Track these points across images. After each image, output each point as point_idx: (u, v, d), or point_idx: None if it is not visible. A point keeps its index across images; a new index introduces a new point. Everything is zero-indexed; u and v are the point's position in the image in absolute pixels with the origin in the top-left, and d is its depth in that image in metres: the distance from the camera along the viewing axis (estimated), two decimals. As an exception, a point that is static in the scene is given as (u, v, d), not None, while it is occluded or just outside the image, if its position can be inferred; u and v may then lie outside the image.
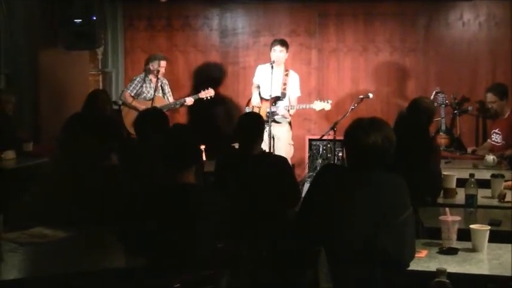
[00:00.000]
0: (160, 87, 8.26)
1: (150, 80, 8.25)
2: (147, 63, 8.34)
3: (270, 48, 7.87)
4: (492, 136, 7.10)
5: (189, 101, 8.22)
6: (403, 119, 5.46)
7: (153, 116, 5.38)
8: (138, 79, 8.31)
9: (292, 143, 8.06)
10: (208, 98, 8.18)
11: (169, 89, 8.45)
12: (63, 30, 7.83)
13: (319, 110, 7.90)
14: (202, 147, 6.38)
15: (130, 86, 8.31)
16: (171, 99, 8.31)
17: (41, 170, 4.81)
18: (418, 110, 5.39)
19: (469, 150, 7.23)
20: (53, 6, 7.83)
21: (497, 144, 6.96)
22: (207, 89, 8.21)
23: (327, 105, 7.78)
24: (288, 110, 7.82)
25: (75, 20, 7.71)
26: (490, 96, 7.12)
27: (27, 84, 7.76)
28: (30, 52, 7.76)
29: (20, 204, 4.29)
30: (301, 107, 7.88)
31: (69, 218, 4.03)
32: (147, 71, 8.27)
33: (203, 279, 3.42)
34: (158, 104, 7.95)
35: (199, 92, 8.24)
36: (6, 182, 5.91)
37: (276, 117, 7.76)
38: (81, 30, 7.76)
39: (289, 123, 7.97)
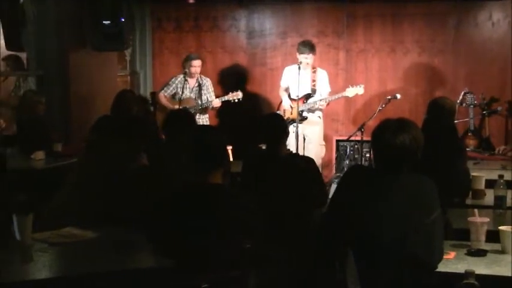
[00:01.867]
0: (197, 88, 8.27)
1: (187, 80, 8.26)
2: (183, 64, 8.39)
3: (298, 52, 7.86)
4: None
5: (216, 103, 8.23)
6: (426, 120, 5.42)
7: (179, 117, 5.39)
8: (173, 79, 8.36)
9: (324, 143, 8.07)
10: (236, 100, 8.18)
11: (210, 88, 8.43)
12: (92, 31, 7.88)
13: (353, 96, 7.88)
14: (230, 147, 6.40)
15: (165, 86, 8.38)
16: (211, 99, 8.31)
17: (70, 171, 4.84)
18: (438, 110, 5.34)
19: (498, 149, 7.16)
20: (82, 7, 7.88)
21: None
22: (236, 91, 8.21)
23: (360, 90, 7.77)
24: (325, 101, 7.80)
25: (104, 22, 7.75)
26: None
27: (57, 85, 7.82)
28: (60, 53, 7.82)
29: (50, 204, 4.33)
30: (334, 98, 7.86)
31: (98, 218, 4.06)
32: (184, 72, 8.30)
33: (231, 279, 3.43)
34: (187, 104, 7.98)
35: (227, 93, 8.25)
36: (36, 182, 5.96)
37: (309, 115, 7.74)
38: (109, 32, 7.80)
39: (321, 118, 7.93)
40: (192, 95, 8.21)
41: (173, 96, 8.30)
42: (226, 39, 9.48)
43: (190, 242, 3.40)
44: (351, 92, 7.77)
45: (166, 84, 8.40)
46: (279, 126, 5.11)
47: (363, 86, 7.80)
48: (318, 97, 7.85)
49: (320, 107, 7.86)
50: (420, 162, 3.27)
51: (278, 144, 5.03)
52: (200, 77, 8.31)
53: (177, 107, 7.75)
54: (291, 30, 9.23)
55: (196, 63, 8.26)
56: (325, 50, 9.09)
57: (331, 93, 8.03)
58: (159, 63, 9.58)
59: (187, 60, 8.30)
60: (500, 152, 7.06)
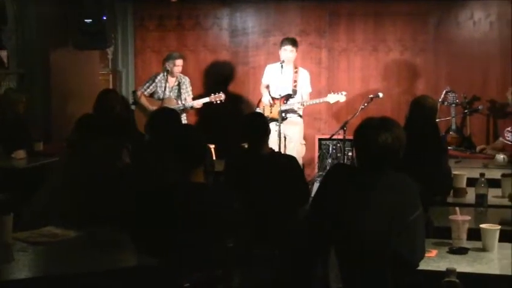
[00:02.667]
0: (177, 87, 8.23)
1: (167, 79, 8.23)
2: (164, 62, 8.33)
3: (280, 47, 7.88)
4: (506, 135, 7.07)
5: (197, 104, 8.20)
6: (408, 119, 5.43)
7: (164, 116, 5.37)
8: (153, 78, 8.32)
9: (304, 142, 8.06)
10: (218, 101, 8.14)
11: (189, 88, 8.38)
12: (73, 30, 7.85)
13: (334, 103, 7.89)
14: (212, 146, 6.39)
15: (145, 85, 8.33)
16: (188, 99, 8.27)
17: (51, 170, 4.82)
18: (420, 109, 5.34)
19: (478, 148, 7.21)
20: (64, 6, 7.85)
21: (510, 143, 6.93)
22: (218, 92, 8.17)
23: (341, 97, 7.77)
24: (302, 104, 7.81)
25: (86, 20, 7.72)
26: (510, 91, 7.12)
27: (38, 83, 7.79)
28: (42, 52, 7.78)
29: (31, 203, 4.31)
30: (314, 102, 7.88)
31: (80, 217, 4.04)
32: (164, 71, 8.26)
33: (214, 278, 3.43)
34: (168, 104, 7.95)
35: (210, 95, 8.20)
36: (17, 182, 5.93)
37: (288, 115, 7.76)
38: (91, 30, 7.77)
39: (301, 117, 7.94)
40: (171, 94, 8.15)
41: (152, 94, 8.26)
42: (208, 38, 9.46)
43: (173, 241, 3.39)
44: (332, 98, 7.78)
45: (146, 82, 8.36)
46: (260, 125, 5.11)
47: (345, 93, 7.81)
48: (298, 98, 7.85)
49: (298, 110, 7.86)
50: (402, 160, 3.28)
51: (260, 143, 5.03)
52: (179, 75, 8.27)
53: (153, 106, 7.73)
54: (273, 28, 9.23)
55: (180, 63, 8.22)
56: (308, 49, 9.09)
57: (312, 94, 8.03)
58: (141, 62, 9.55)
59: (170, 59, 8.24)
60: (478, 151, 7.10)
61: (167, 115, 5.41)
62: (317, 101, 7.88)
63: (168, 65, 8.20)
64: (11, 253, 3.48)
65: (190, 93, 8.36)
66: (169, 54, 8.43)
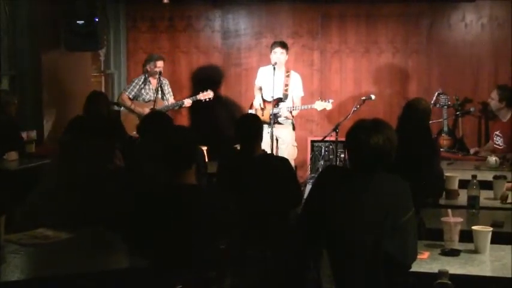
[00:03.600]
0: (159, 88, 8.22)
1: (149, 81, 8.23)
2: (144, 64, 8.34)
3: (270, 50, 7.88)
4: (494, 138, 7.10)
5: (187, 102, 8.19)
6: (401, 121, 5.45)
7: (157, 118, 5.38)
8: (136, 81, 8.31)
9: (296, 144, 8.06)
10: (207, 100, 8.14)
11: (170, 89, 8.41)
12: (65, 31, 7.83)
13: (321, 110, 7.92)
14: (205, 148, 6.39)
15: (129, 87, 8.32)
16: (171, 99, 8.27)
17: (43, 172, 4.81)
18: (413, 111, 5.37)
19: (472, 151, 7.24)
20: (56, 7, 7.83)
21: (499, 147, 6.96)
22: (206, 91, 8.18)
23: (328, 105, 7.78)
24: (291, 112, 7.83)
25: (78, 22, 7.70)
26: (493, 93, 7.13)
27: (30, 85, 7.76)
28: (33, 53, 7.76)
29: (23, 205, 4.30)
30: (303, 108, 7.89)
31: (71, 219, 4.04)
32: (146, 73, 8.27)
33: (206, 279, 3.43)
34: (157, 105, 7.95)
35: (198, 93, 8.20)
36: (9, 183, 5.91)
37: (279, 119, 7.78)
38: (83, 32, 7.75)
39: (293, 124, 7.98)
40: (154, 95, 8.13)
41: (136, 97, 8.25)
42: (200, 39, 9.46)
43: (166, 242, 3.39)
44: (319, 105, 7.79)
45: (130, 85, 8.36)
46: (254, 126, 5.12)
47: (331, 101, 7.83)
48: (289, 102, 7.86)
49: (288, 117, 7.86)
50: (394, 162, 3.29)
51: (253, 145, 5.04)
52: (160, 77, 8.25)
53: (141, 109, 7.74)
54: (266, 30, 9.24)
55: (161, 64, 8.22)
56: (300, 51, 9.10)
57: (305, 96, 8.04)
58: (134, 63, 9.53)
59: (151, 60, 8.25)
60: (472, 153, 7.12)
61: (159, 118, 5.42)
62: (305, 107, 7.89)
63: (149, 67, 8.21)
64: (3, 255, 3.47)
65: (172, 93, 8.37)
66: (149, 56, 8.45)
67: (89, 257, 3.59)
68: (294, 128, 7.99)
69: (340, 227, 3.24)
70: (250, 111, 8.03)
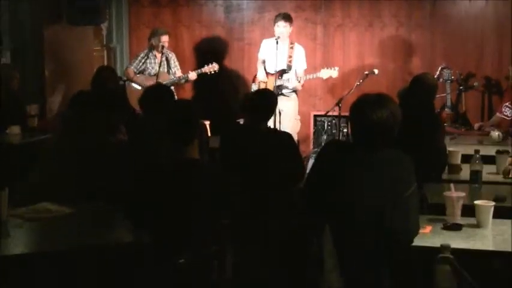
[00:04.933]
0: (165, 62, 8.19)
1: (154, 55, 8.20)
2: (149, 38, 8.30)
3: (274, 24, 7.84)
4: (503, 109, 7.07)
5: (192, 75, 8.16)
6: (406, 96, 5.44)
7: (158, 92, 5.37)
8: (142, 55, 8.27)
9: (299, 117, 8.05)
10: (213, 72, 8.12)
11: (177, 63, 8.37)
12: (67, 5, 7.80)
13: (327, 78, 7.86)
14: (207, 122, 6.39)
15: (134, 62, 8.29)
16: (178, 73, 8.24)
17: (46, 146, 4.81)
18: (421, 86, 5.36)
19: (476, 126, 7.22)
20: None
21: (508, 118, 6.94)
22: (211, 63, 8.15)
23: (334, 72, 7.72)
24: (299, 81, 7.79)
25: (80, -5, 7.68)
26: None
27: (32, 59, 7.75)
28: (35, 27, 7.73)
29: (25, 179, 4.31)
30: (308, 77, 7.85)
31: (74, 193, 4.04)
32: (150, 47, 8.24)
33: (208, 254, 3.44)
34: (162, 79, 7.93)
35: (203, 66, 8.18)
36: (11, 157, 5.92)
37: (285, 91, 7.75)
38: (85, 6, 7.72)
39: (296, 92, 7.93)
40: (161, 69, 8.11)
41: (142, 71, 8.23)
42: (203, 14, 9.40)
43: (167, 217, 3.40)
44: (325, 73, 7.73)
45: (135, 60, 8.32)
46: (270, 103, 5.16)
47: (337, 68, 7.76)
48: (292, 74, 7.83)
49: (294, 87, 7.84)
50: (397, 137, 3.28)
51: (262, 120, 5.06)
52: (166, 51, 8.22)
53: (147, 82, 7.72)
54: (268, 4, 9.18)
55: (165, 38, 8.17)
56: (303, 25, 9.05)
57: (308, 70, 8.01)
58: (136, 38, 9.49)
59: (156, 35, 8.21)
60: (476, 128, 7.11)
61: (160, 91, 5.41)
62: (310, 76, 7.85)
63: (154, 41, 8.17)
64: (6, 229, 3.49)
65: (179, 67, 8.34)
66: (154, 30, 8.40)
67: (91, 232, 3.60)
68: (297, 101, 7.95)
69: (342, 202, 3.25)
70: (253, 84, 8.02)
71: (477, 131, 6.99)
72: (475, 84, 8.30)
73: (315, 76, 7.83)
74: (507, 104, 7.05)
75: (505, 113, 7.02)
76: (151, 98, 5.24)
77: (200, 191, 3.44)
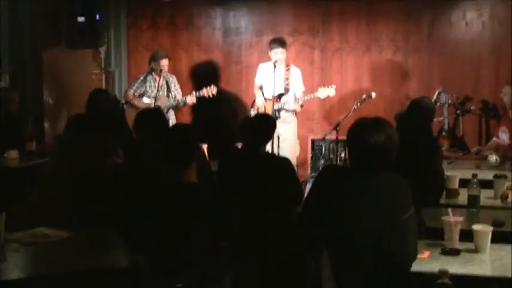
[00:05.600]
0: (165, 85, 8.20)
1: (154, 78, 8.21)
2: (149, 62, 8.31)
3: (269, 49, 7.87)
4: (499, 134, 7.08)
5: (190, 99, 8.15)
6: (404, 119, 5.46)
7: (150, 115, 5.38)
8: (141, 78, 8.28)
9: (298, 141, 8.06)
10: (211, 95, 8.11)
11: (177, 86, 8.36)
12: (66, 28, 7.83)
13: (325, 98, 7.87)
14: (205, 146, 6.38)
15: (133, 85, 8.29)
16: (178, 96, 8.25)
17: (43, 170, 4.81)
18: (418, 110, 5.37)
19: (474, 150, 7.21)
20: (57, 4, 7.83)
21: (504, 143, 6.94)
22: (209, 86, 8.15)
23: (331, 91, 7.72)
24: (298, 102, 7.80)
25: (79, 19, 7.70)
26: (506, 88, 7.12)
27: (31, 82, 7.76)
28: (34, 50, 7.76)
29: (23, 204, 4.30)
30: (306, 98, 7.86)
31: (71, 217, 4.04)
32: (150, 70, 8.26)
33: (207, 278, 3.43)
34: (161, 102, 7.94)
35: (202, 89, 8.17)
36: (9, 181, 5.91)
37: (284, 114, 7.76)
38: (84, 29, 7.75)
39: (295, 115, 7.93)
40: (160, 93, 8.12)
41: (141, 95, 8.23)
42: (201, 37, 9.45)
43: (165, 241, 3.39)
44: (322, 93, 7.75)
45: (134, 83, 8.33)
46: (269, 128, 5.18)
47: (334, 86, 7.78)
48: (290, 96, 7.85)
49: (297, 109, 7.86)
50: (395, 160, 3.28)
51: (260, 145, 5.07)
52: (166, 74, 8.24)
53: (145, 105, 7.73)
54: (266, 28, 9.22)
55: (165, 62, 8.17)
56: (301, 49, 9.09)
57: (305, 92, 8.03)
58: (134, 61, 9.52)
59: (156, 58, 8.21)
60: (474, 152, 7.10)
61: (151, 115, 5.42)
62: (308, 97, 7.86)
63: (154, 65, 8.17)
64: (3, 253, 3.47)
65: (180, 90, 8.35)
66: (154, 53, 8.39)
67: (88, 256, 3.59)
68: (296, 125, 7.97)
69: (340, 225, 3.24)
70: (252, 109, 8.03)
71: (475, 155, 6.98)
72: (472, 108, 8.32)
73: (313, 96, 7.84)
74: (503, 128, 7.07)
75: (501, 137, 7.03)
76: (143, 121, 5.25)
77: (198, 215, 3.43)
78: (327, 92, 7.73)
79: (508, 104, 7.11)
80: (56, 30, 7.91)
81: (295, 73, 7.97)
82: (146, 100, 8.11)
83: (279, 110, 7.74)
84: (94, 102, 6.71)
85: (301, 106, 7.92)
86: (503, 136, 7.00)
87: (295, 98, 7.82)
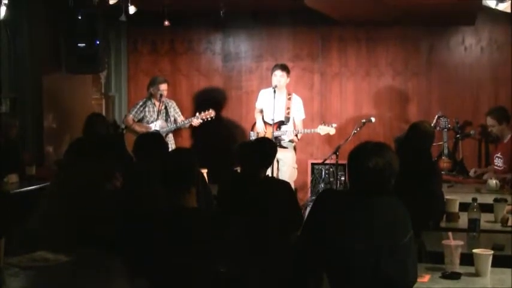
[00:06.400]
0: (164, 110, 8.22)
1: (153, 103, 8.24)
2: (148, 87, 8.34)
3: (271, 73, 7.91)
4: (494, 160, 7.10)
5: (196, 121, 8.14)
6: (404, 143, 5.47)
7: (149, 140, 5.38)
8: (140, 103, 8.31)
9: (296, 166, 8.06)
10: (209, 118, 8.13)
11: (177, 109, 8.39)
12: (66, 54, 7.86)
13: (324, 135, 7.90)
14: (205, 171, 6.39)
15: (133, 110, 8.31)
16: (179, 119, 8.28)
17: (44, 194, 4.80)
18: (418, 133, 5.39)
19: (472, 171, 7.21)
20: (57, 30, 7.87)
21: (499, 168, 6.96)
22: (207, 110, 8.16)
23: (331, 130, 7.77)
24: (296, 135, 7.84)
25: (79, 44, 7.73)
26: (489, 120, 7.12)
27: (31, 108, 7.78)
28: (34, 76, 7.78)
29: (22, 228, 4.29)
30: (305, 132, 7.89)
31: (71, 241, 4.03)
32: (150, 95, 8.28)
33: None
34: (160, 127, 7.97)
35: (200, 113, 8.18)
36: (9, 206, 5.90)
37: (283, 142, 7.78)
38: (84, 54, 7.78)
39: (294, 147, 7.98)
40: (159, 117, 8.14)
41: (141, 119, 8.24)
42: (201, 62, 9.49)
43: (165, 266, 3.38)
44: (322, 130, 7.78)
45: (134, 108, 8.35)
46: (270, 152, 5.18)
47: (334, 125, 7.80)
48: (291, 125, 7.88)
49: (294, 140, 7.89)
50: (395, 184, 3.29)
51: (261, 169, 5.07)
52: (165, 99, 8.26)
53: (145, 130, 7.74)
54: (266, 53, 9.27)
55: (164, 87, 8.20)
56: (301, 74, 9.13)
57: (305, 120, 8.06)
58: (134, 86, 9.56)
59: (155, 83, 8.24)
60: (473, 174, 7.10)
61: (150, 139, 5.42)
62: (307, 131, 7.89)
63: (153, 90, 8.20)
64: (3, 278, 3.46)
65: (180, 113, 8.37)
66: (153, 78, 8.42)
67: (89, 281, 3.57)
68: (295, 150, 7.99)
69: (339, 250, 3.24)
70: (251, 133, 8.05)
71: (474, 178, 6.98)
72: (472, 132, 8.34)
73: (312, 131, 7.85)
74: (497, 154, 7.07)
75: (497, 164, 7.04)
76: (142, 145, 5.25)
77: (199, 240, 3.42)
78: (327, 130, 7.76)
79: (499, 132, 7.11)
80: (56, 56, 7.94)
81: (297, 102, 8.00)
82: (146, 125, 8.13)
83: (278, 138, 7.75)
84: (89, 127, 6.73)
85: (298, 139, 7.97)
86: (498, 162, 7.01)
87: (295, 126, 7.85)
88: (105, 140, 6.58)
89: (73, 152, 5.34)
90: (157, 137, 5.54)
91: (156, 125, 8.04)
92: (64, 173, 4.71)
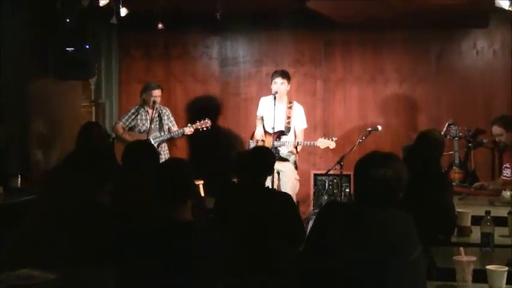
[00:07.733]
0: (157, 118, 8.20)
1: (146, 111, 8.21)
2: (141, 93, 8.31)
3: (271, 80, 7.90)
4: (503, 171, 7.08)
5: (188, 130, 8.13)
6: (412, 152, 5.45)
7: (138, 149, 5.34)
8: (132, 110, 8.29)
9: (298, 178, 8.05)
10: (205, 128, 8.12)
11: (172, 118, 8.38)
12: (55, 58, 7.85)
13: (324, 148, 7.88)
14: (201, 182, 6.38)
15: (123, 117, 8.29)
16: (173, 128, 8.27)
17: (29, 207, 4.79)
18: (427, 142, 5.37)
19: (476, 184, 7.12)
20: (44, 33, 7.86)
21: (508, 179, 6.93)
22: (203, 119, 8.15)
23: (331, 144, 7.76)
24: (296, 147, 7.83)
25: (68, 49, 7.73)
26: (496, 129, 7.06)
27: (17, 115, 7.77)
28: (20, 82, 7.77)
29: (7, 243, 4.27)
30: (305, 144, 7.88)
31: (58, 257, 4.01)
32: (142, 102, 8.26)
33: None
34: (153, 136, 7.95)
35: (195, 122, 8.17)
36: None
37: (281, 153, 7.77)
38: (73, 59, 7.77)
39: (295, 158, 7.97)
40: (152, 125, 8.11)
41: (132, 128, 8.23)
42: (197, 67, 9.48)
43: (158, 282, 3.37)
44: (322, 143, 7.78)
45: (125, 115, 8.33)
46: (270, 160, 5.17)
47: (335, 139, 7.81)
48: (291, 135, 7.87)
49: (294, 152, 7.89)
50: (404, 197, 3.27)
51: (259, 179, 5.05)
52: (159, 106, 8.25)
53: (136, 138, 7.73)
54: (266, 58, 9.26)
55: (157, 93, 8.17)
56: (302, 80, 9.13)
57: (307, 128, 8.06)
58: (126, 93, 9.54)
59: (147, 89, 8.21)
60: (476, 187, 7.04)
61: (141, 148, 5.39)
62: (307, 143, 7.88)
63: (146, 96, 8.18)
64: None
65: (174, 122, 8.35)
66: (146, 84, 8.40)
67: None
68: (296, 165, 7.97)
69: (343, 266, 3.22)
70: (251, 142, 8.04)
71: (479, 190, 6.91)
72: (484, 141, 8.30)
73: (312, 144, 7.84)
74: (506, 165, 7.05)
75: (506, 174, 7.02)
76: (132, 155, 5.21)
77: (194, 255, 3.41)
78: (327, 143, 7.77)
79: (509, 142, 7.07)
80: (44, 61, 7.93)
81: (298, 110, 8.00)
82: (137, 134, 8.10)
83: (277, 148, 7.74)
84: (85, 137, 6.69)
85: (297, 152, 7.97)
86: (508, 173, 6.99)
87: (295, 136, 7.85)
88: (99, 151, 6.55)
89: (64, 164, 5.34)
90: (147, 146, 5.51)
91: (148, 134, 8.01)
92: (52, 185, 4.69)
